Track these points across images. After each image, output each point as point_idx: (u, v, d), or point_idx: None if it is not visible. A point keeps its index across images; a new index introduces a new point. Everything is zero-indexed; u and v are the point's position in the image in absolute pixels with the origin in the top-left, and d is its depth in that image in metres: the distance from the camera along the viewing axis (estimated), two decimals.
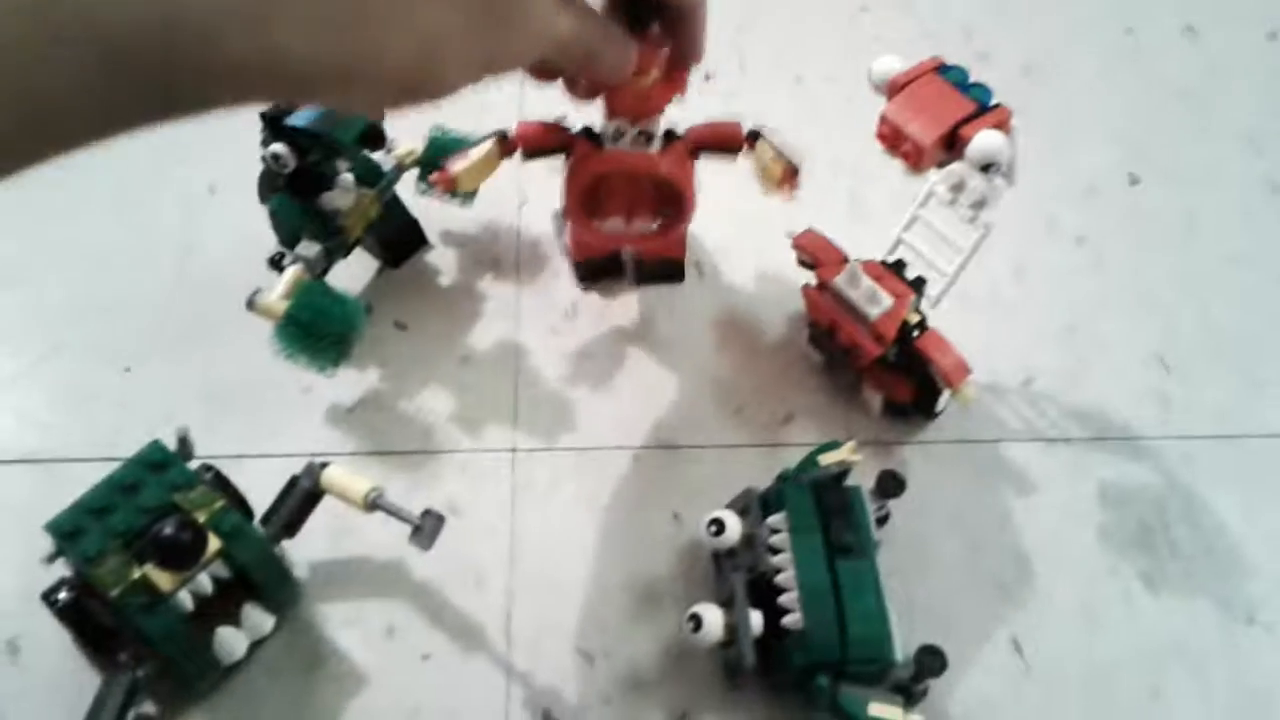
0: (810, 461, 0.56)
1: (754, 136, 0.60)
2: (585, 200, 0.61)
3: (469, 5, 0.36)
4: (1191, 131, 0.79)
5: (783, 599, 0.51)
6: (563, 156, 0.60)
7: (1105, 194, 0.76)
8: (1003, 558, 0.59)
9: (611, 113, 0.57)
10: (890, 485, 0.57)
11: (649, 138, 0.58)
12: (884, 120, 0.53)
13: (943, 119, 0.52)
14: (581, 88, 0.49)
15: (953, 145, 0.53)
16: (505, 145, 0.60)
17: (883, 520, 0.58)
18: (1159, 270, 0.72)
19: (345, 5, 0.33)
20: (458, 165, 0.60)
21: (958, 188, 0.56)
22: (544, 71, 0.46)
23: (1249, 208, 0.75)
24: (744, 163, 0.61)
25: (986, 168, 0.52)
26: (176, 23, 0.29)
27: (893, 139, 0.53)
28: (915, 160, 0.53)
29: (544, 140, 0.60)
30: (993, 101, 0.53)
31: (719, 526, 0.54)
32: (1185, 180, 0.76)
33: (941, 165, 0.54)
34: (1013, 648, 0.56)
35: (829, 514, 0.54)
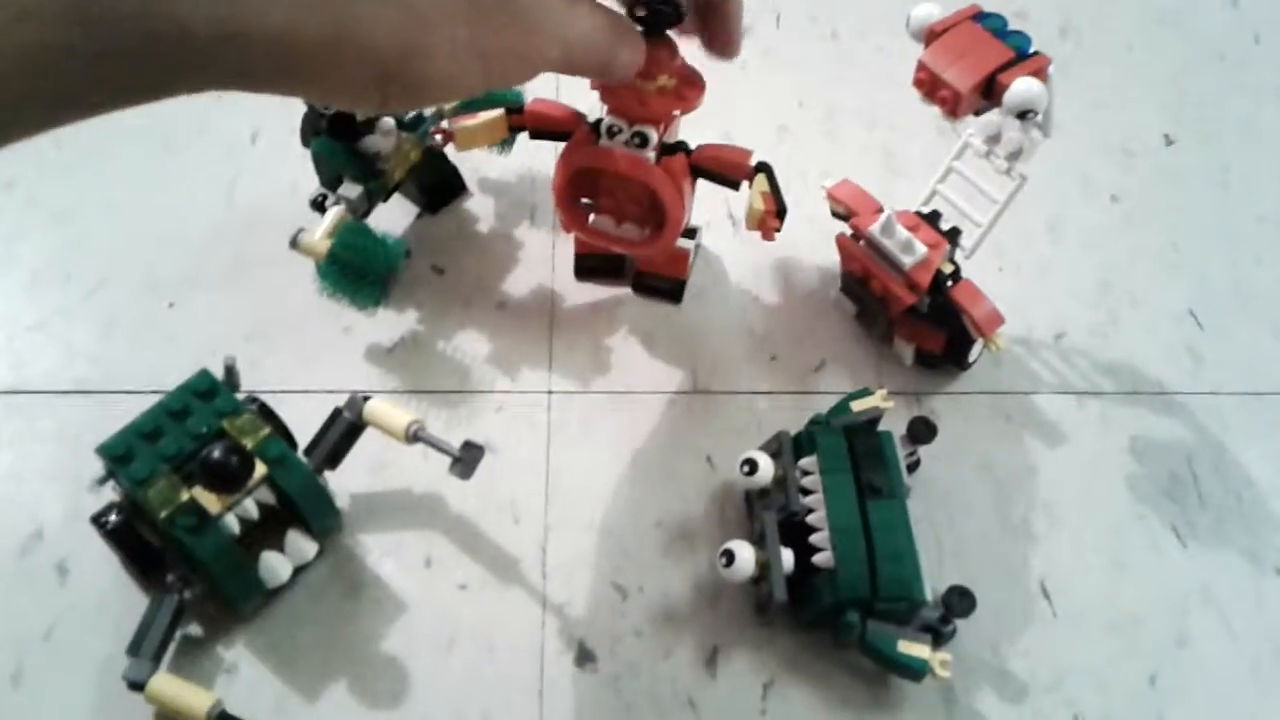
0: (842, 407, 0.57)
1: (761, 168, 0.59)
2: (572, 190, 0.60)
3: None
4: (1227, 93, 0.79)
5: (813, 538, 0.52)
6: None
7: (1140, 154, 0.76)
8: (1032, 506, 0.60)
9: (609, 108, 0.57)
10: (921, 431, 0.58)
11: (644, 141, 0.57)
12: (921, 66, 0.53)
13: (981, 65, 0.53)
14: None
15: (990, 92, 0.53)
16: (514, 118, 0.61)
17: (913, 466, 0.58)
18: (1193, 229, 0.72)
19: None
20: (462, 123, 0.61)
21: (994, 139, 0.57)
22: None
23: None
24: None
25: (1023, 115, 0.52)
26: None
27: (930, 85, 0.53)
28: (952, 107, 0.53)
29: (549, 121, 0.60)
30: (1031, 49, 0.53)
31: (752, 466, 0.55)
32: (1220, 141, 0.76)
33: (978, 113, 0.55)
34: (1041, 593, 0.57)
35: (860, 457, 0.54)
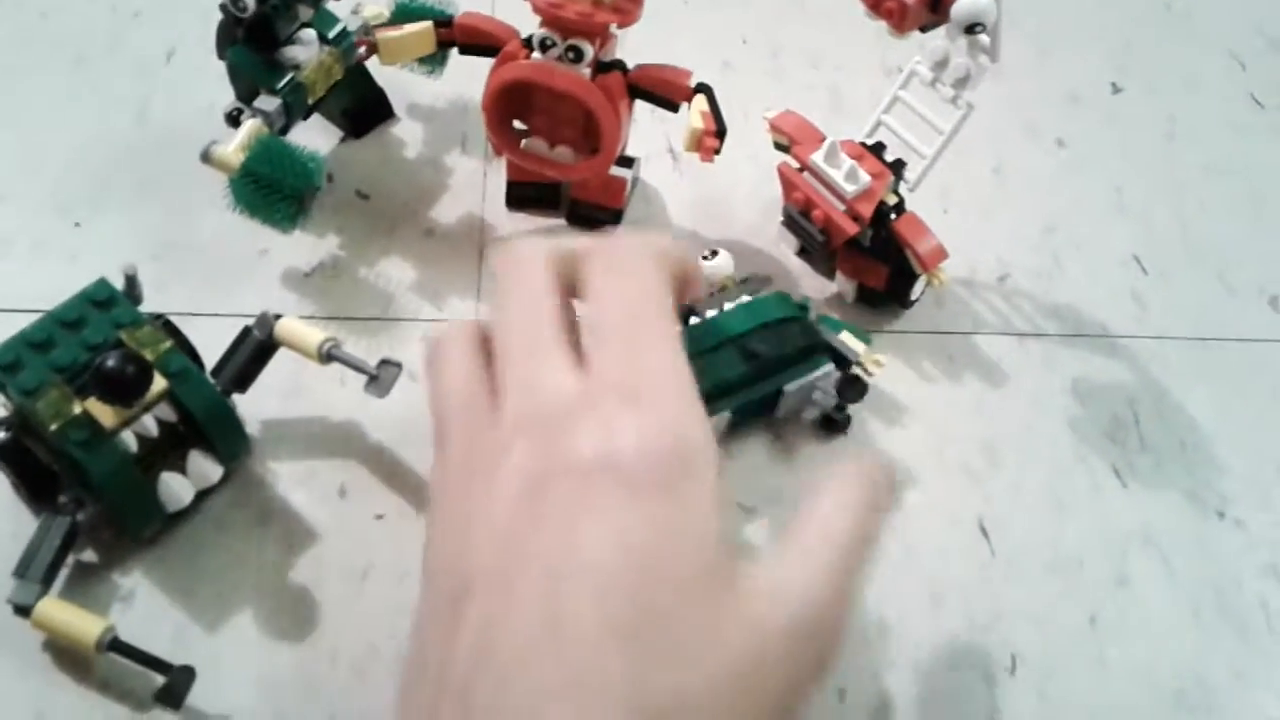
0: (834, 325, 0.56)
1: (699, 90, 0.57)
2: (503, 108, 0.58)
3: None
4: (1176, 43, 0.79)
5: None
6: None
7: (1087, 101, 0.75)
8: (971, 445, 0.58)
9: (543, 20, 0.54)
10: (849, 391, 0.55)
11: (578, 55, 0.55)
12: None
13: None
14: None
15: (937, 6, 0.51)
16: (442, 31, 0.58)
17: (844, 423, 0.57)
18: (1138, 176, 0.71)
19: None
20: (387, 33, 0.58)
21: (940, 65, 0.55)
22: None
23: (1230, 119, 0.74)
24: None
25: (971, 29, 0.51)
26: None
27: None
28: (899, 19, 0.51)
29: (479, 35, 0.58)
30: None
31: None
32: (1168, 90, 0.76)
33: (925, 29, 0.53)
34: (979, 532, 0.55)
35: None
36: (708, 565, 0.31)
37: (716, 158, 0.57)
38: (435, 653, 0.32)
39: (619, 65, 0.57)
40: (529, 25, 0.56)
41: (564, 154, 0.60)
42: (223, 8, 0.56)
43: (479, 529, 0.32)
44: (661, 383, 0.34)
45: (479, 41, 0.58)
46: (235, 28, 0.57)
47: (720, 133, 0.56)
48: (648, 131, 0.62)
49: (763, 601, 0.32)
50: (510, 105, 0.58)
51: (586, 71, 0.55)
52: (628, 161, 0.63)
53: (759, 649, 0.31)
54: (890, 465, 0.42)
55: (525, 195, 0.64)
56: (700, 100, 0.56)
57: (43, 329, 0.48)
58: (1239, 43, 0.79)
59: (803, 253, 0.63)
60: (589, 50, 0.54)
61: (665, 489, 0.31)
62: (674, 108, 0.58)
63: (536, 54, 0.55)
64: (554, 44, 0.54)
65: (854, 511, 0.35)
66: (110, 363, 0.45)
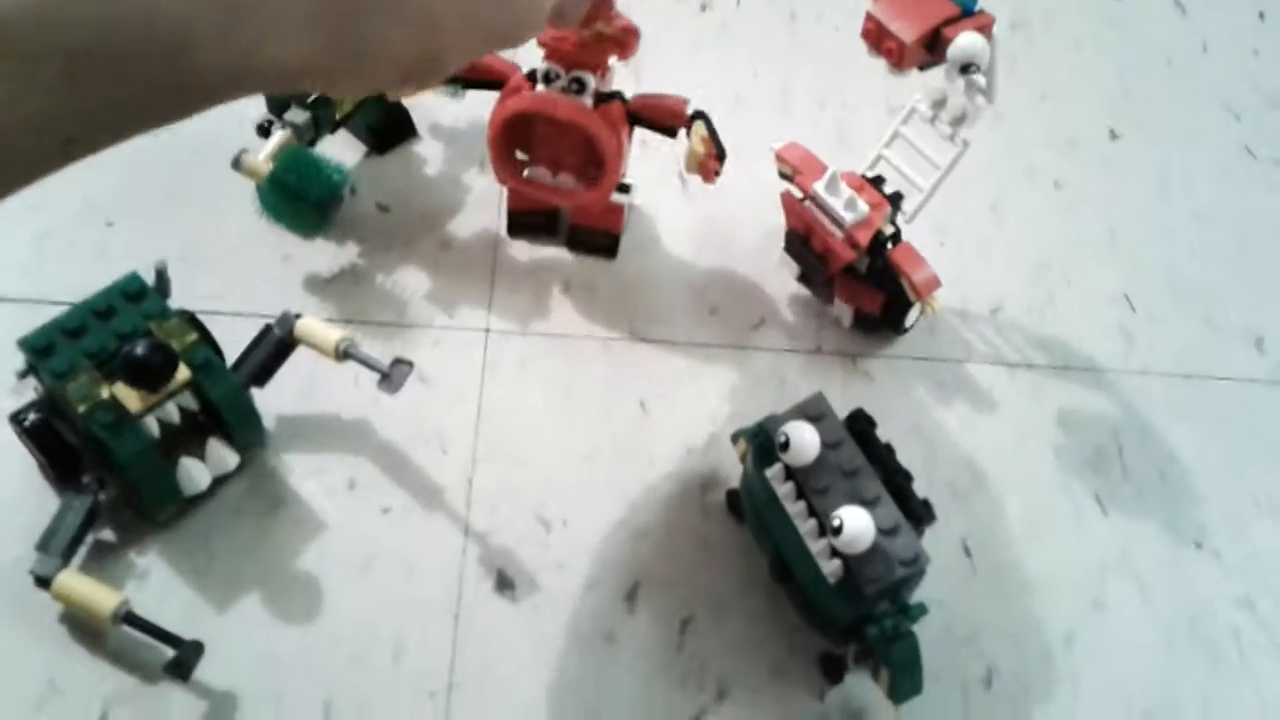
0: None
1: (697, 117, 0.59)
2: (508, 139, 0.60)
3: None
4: (1174, 95, 0.81)
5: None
6: None
7: (1085, 146, 0.77)
8: (958, 468, 0.60)
9: (548, 54, 0.57)
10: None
11: (581, 86, 0.57)
12: (869, 18, 0.54)
13: (926, 19, 0.53)
14: None
15: (934, 47, 0.54)
16: None
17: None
18: (1132, 219, 0.73)
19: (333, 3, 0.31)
20: None
21: (939, 104, 0.57)
22: None
23: (1223, 169, 0.77)
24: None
25: (966, 69, 0.53)
26: (143, 35, 0.28)
27: (877, 36, 0.54)
28: (898, 58, 0.54)
29: (482, 71, 0.60)
30: (976, 7, 0.54)
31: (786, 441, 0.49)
32: (1164, 139, 0.78)
33: (923, 68, 0.56)
34: (962, 551, 0.57)
35: None
36: None
37: (718, 180, 0.60)
38: None
39: (618, 95, 0.59)
40: (529, 63, 0.59)
41: (566, 181, 0.62)
42: None
43: None
44: None
45: (483, 76, 0.60)
46: None
47: (720, 155, 0.59)
48: (656, 156, 0.65)
49: None
50: (514, 136, 0.61)
51: (588, 102, 0.58)
52: (625, 188, 0.64)
53: None
54: None
55: (526, 223, 0.66)
56: (700, 126, 0.59)
57: (75, 317, 0.50)
58: (1234, 96, 0.81)
59: (803, 278, 0.65)
60: (591, 81, 0.57)
61: None
62: (673, 133, 0.60)
63: (541, 86, 0.58)
64: (558, 76, 0.57)
65: None
66: (139, 349, 0.47)
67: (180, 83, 0.29)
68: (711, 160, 0.59)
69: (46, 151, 0.29)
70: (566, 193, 0.63)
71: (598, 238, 0.66)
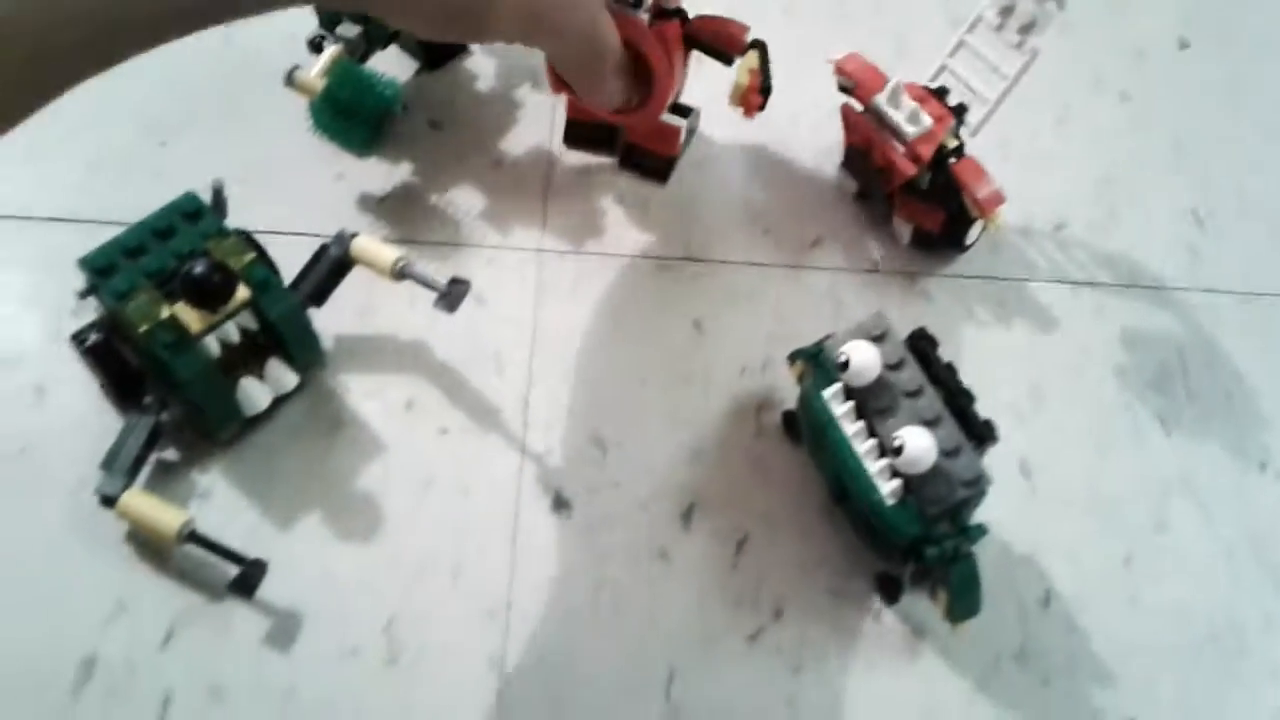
0: None
1: (755, 45, 0.58)
2: None
3: None
4: (1247, 3, 0.78)
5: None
6: None
7: (1153, 56, 0.75)
8: (1018, 387, 0.59)
9: None
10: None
11: (638, 0, 0.55)
12: None
13: None
14: None
15: None
16: None
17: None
18: (1200, 133, 0.71)
19: None
20: None
21: (1007, 10, 0.56)
22: None
23: None
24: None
25: None
26: None
27: None
28: None
29: None
30: None
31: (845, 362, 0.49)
32: (1234, 50, 0.75)
33: None
34: (1020, 471, 0.57)
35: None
36: None
37: (758, 114, 0.59)
38: None
39: (679, 14, 0.57)
40: None
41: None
42: None
43: None
44: None
45: None
46: None
47: (765, 90, 0.58)
48: (714, 76, 0.63)
49: None
50: None
51: (645, 17, 0.55)
52: (684, 111, 0.63)
53: None
54: None
55: (582, 135, 0.65)
56: (751, 57, 0.58)
57: (135, 236, 0.50)
58: None
59: (861, 195, 0.64)
60: None
61: None
62: (729, 60, 0.58)
63: None
64: None
65: None
66: (198, 269, 0.47)
67: None
68: (755, 94, 0.58)
69: (89, 50, 0.31)
70: (615, 111, 0.61)
71: (651, 159, 0.64)
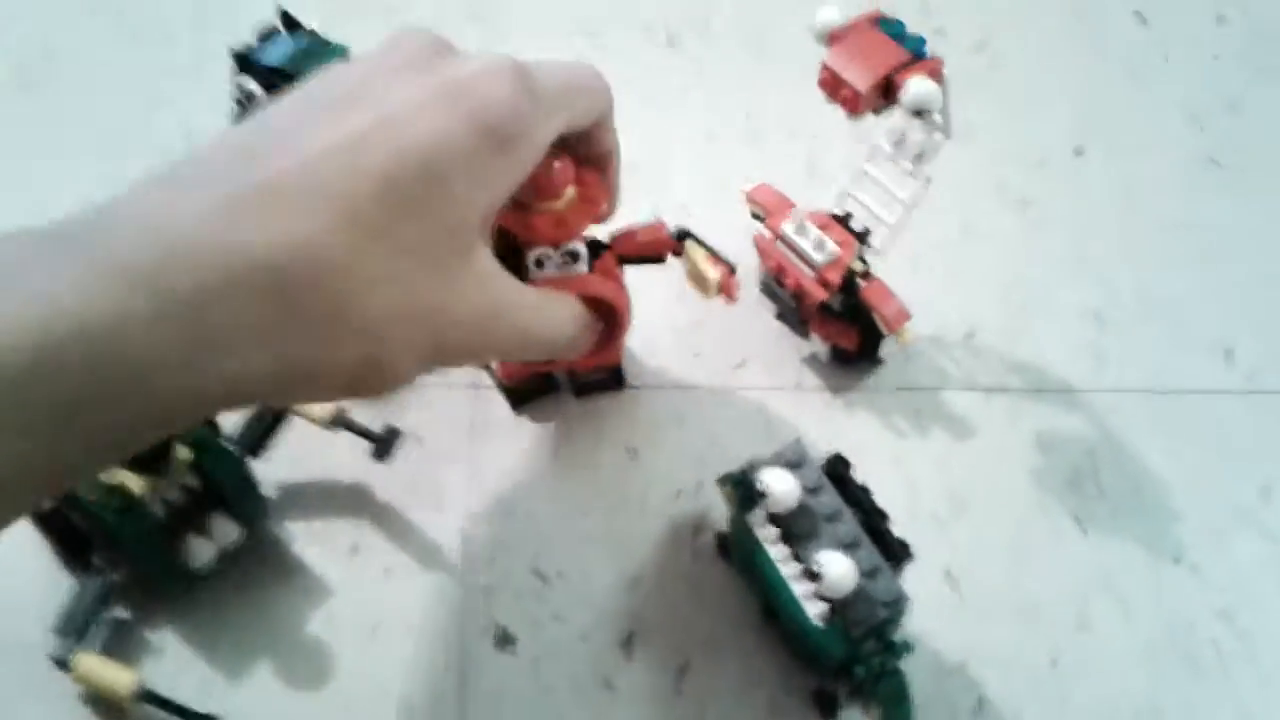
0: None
1: (683, 237, 0.58)
2: None
3: (412, 290, 0.37)
4: (1136, 107, 0.82)
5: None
6: None
7: (1052, 163, 0.79)
8: (939, 497, 0.62)
9: (530, 242, 0.52)
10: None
11: (575, 257, 0.53)
12: (825, 68, 0.56)
13: (878, 66, 0.55)
14: None
15: (888, 92, 0.56)
16: None
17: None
18: (1099, 235, 0.75)
19: (277, 318, 0.33)
20: None
21: (899, 142, 0.59)
22: None
23: (1188, 180, 0.78)
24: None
25: (919, 114, 0.55)
26: (117, 374, 0.30)
27: (832, 85, 0.56)
28: (853, 105, 0.56)
29: None
30: (927, 52, 0.56)
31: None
32: (1128, 152, 0.79)
33: (878, 111, 0.57)
34: (946, 580, 0.59)
35: None
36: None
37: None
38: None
39: (601, 245, 0.56)
40: None
41: None
42: (234, 99, 0.61)
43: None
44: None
45: None
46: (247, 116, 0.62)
47: (730, 270, 0.58)
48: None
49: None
50: None
51: (584, 267, 0.54)
52: (575, 255, 0.55)
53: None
54: None
55: (526, 392, 0.64)
56: (696, 248, 0.58)
57: None
58: (1197, 105, 0.82)
59: (780, 316, 0.67)
60: (582, 248, 0.54)
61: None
62: (662, 260, 0.59)
63: (535, 272, 0.53)
64: (549, 258, 0.53)
65: None
66: None
67: (146, 411, 0.32)
68: (728, 277, 0.58)
69: (25, 494, 0.33)
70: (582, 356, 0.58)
71: (601, 375, 0.64)
